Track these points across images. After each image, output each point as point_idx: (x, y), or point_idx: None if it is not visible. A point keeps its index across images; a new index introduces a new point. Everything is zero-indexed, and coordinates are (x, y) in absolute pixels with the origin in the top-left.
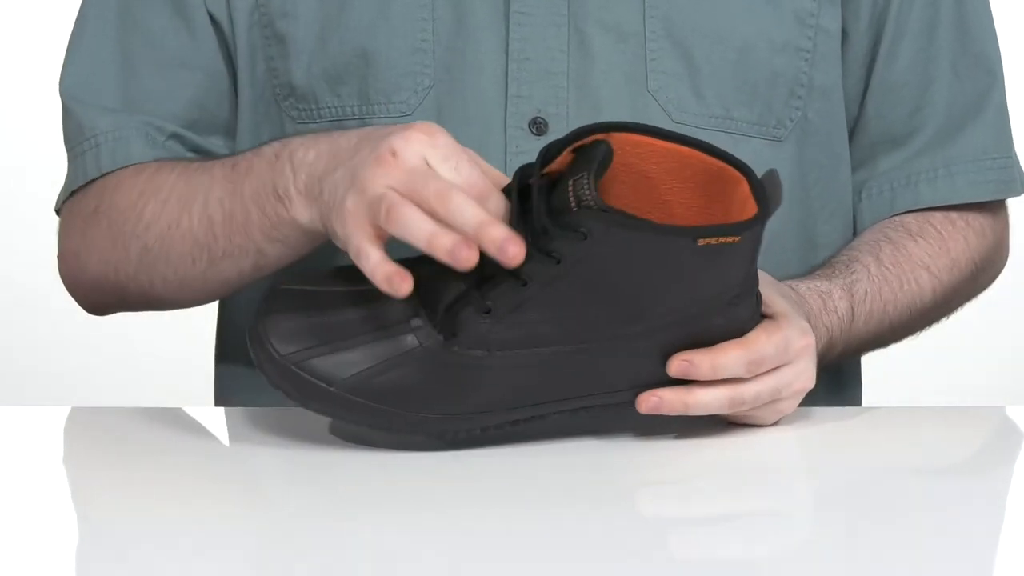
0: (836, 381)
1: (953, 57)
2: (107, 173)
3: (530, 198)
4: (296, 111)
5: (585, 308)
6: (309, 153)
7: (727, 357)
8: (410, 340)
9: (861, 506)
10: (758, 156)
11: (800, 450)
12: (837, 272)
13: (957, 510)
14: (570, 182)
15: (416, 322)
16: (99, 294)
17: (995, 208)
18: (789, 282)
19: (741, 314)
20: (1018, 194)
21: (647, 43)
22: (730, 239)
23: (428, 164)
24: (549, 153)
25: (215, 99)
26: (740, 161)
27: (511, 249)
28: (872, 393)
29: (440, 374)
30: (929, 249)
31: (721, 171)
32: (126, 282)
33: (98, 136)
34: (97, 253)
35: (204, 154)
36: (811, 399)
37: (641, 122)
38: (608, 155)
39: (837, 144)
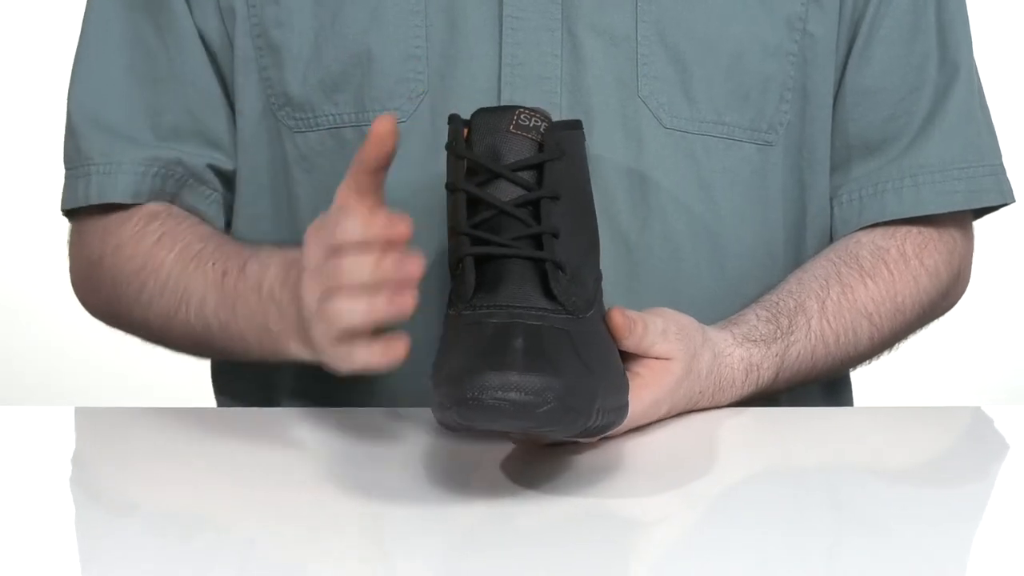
0: (828, 383)
1: (933, 67)
2: (104, 205)
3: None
4: (293, 120)
5: (576, 231)
6: (284, 293)
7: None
8: (557, 321)
9: (837, 504)
10: (749, 161)
11: (782, 449)
12: (780, 330)
13: (931, 508)
14: (510, 126)
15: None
16: (107, 320)
17: (958, 235)
18: (722, 345)
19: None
20: (994, 203)
21: (639, 48)
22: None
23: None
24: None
25: (207, 112)
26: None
27: (410, 264)
28: (863, 392)
29: (586, 340)
30: (876, 294)
31: None
32: (130, 329)
33: (90, 166)
34: (104, 298)
35: (201, 181)
36: (805, 399)
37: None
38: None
39: (821, 150)
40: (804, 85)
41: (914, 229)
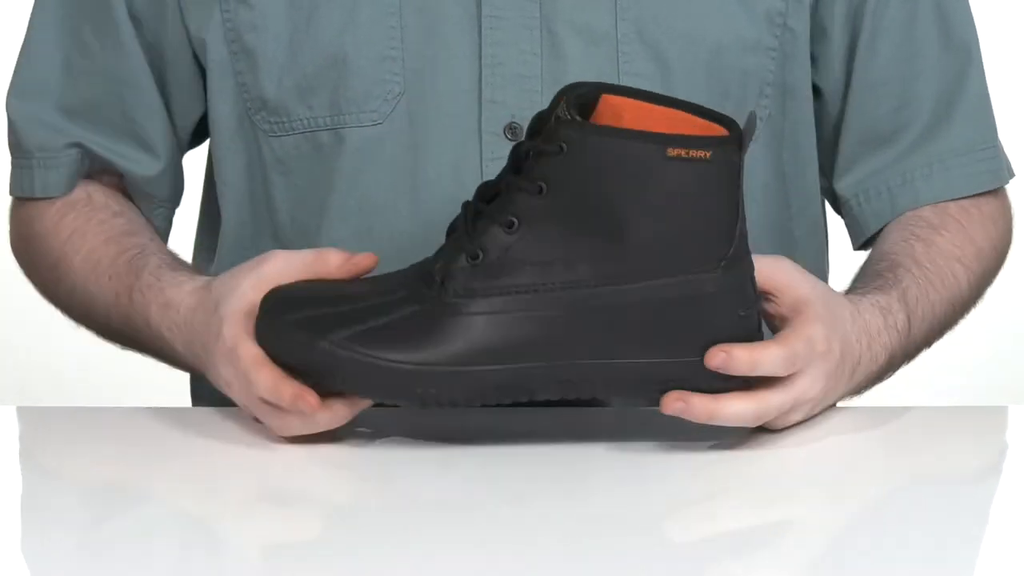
0: None
1: (936, 50)
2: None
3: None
4: (268, 124)
5: (569, 242)
6: (176, 345)
7: (766, 353)
8: (403, 294)
9: (833, 502)
10: None
11: (789, 450)
12: (888, 281)
13: (951, 511)
14: (555, 115)
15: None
16: (43, 296)
17: (998, 195)
18: (850, 296)
19: (733, 282)
20: (1006, 181)
21: (619, 45)
22: (701, 153)
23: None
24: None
25: (142, 113)
26: (727, 116)
27: (308, 398)
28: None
29: (425, 321)
30: (956, 240)
31: (709, 129)
32: (62, 311)
33: (32, 160)
34: (36, 274)
35: (134, 180)
36: None
37: (630, 86)
38: (595, 95)
39: (804, 144)
40: (784, 80)
41: (964, 200)
